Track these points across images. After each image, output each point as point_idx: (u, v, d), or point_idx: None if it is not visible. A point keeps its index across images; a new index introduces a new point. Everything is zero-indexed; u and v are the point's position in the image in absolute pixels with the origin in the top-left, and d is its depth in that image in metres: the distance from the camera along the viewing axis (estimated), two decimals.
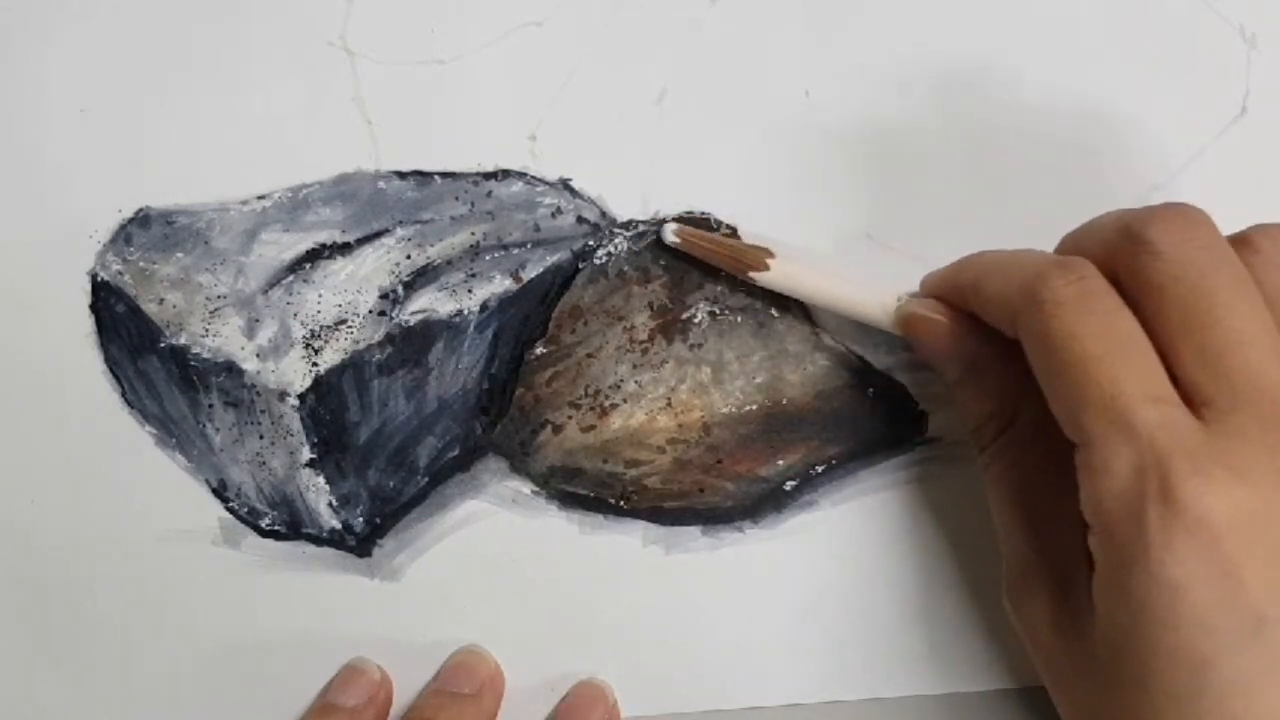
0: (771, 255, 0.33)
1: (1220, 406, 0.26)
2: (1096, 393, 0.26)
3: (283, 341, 0.35)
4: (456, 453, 0.35)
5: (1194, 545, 0.25)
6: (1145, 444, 0.25)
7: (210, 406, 0.35)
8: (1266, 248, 0.28)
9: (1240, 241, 0.29)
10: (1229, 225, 0.35)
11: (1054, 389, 0.27)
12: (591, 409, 0.35)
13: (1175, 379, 0.27)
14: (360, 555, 0.35)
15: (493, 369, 0.35)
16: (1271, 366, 0.26)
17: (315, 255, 0.35)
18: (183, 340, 0.35)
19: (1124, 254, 0.28)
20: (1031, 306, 0.28)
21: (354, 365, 0.35)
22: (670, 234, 0.34)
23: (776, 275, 0.33)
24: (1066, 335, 0.27)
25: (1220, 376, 0.26)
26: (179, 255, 0.35)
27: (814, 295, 0.33)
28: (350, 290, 0.35)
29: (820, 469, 0.35)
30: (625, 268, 0.35)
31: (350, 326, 0.35)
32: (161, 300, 0.35)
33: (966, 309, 0.31)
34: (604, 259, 0.35)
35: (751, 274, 0.33)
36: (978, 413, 0.31)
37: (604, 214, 0.35)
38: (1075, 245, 0.30)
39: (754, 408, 0.35)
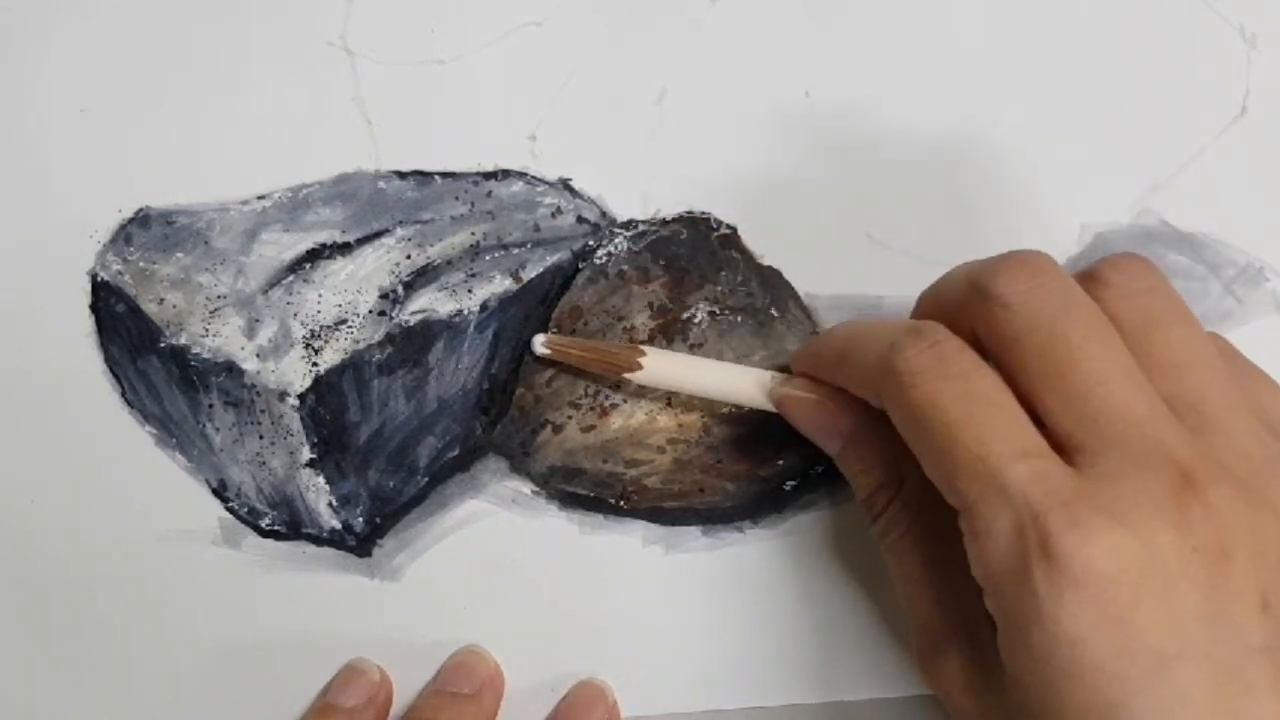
0: (643, 353, 0.33)
1: (1091, 450, 0.26)
2: (965, 457, 0.26)
3: (283, 341, 0.35)
4: (456, 453, 0.35)
5: (1084, 596, 0.24)
6: (1020, 502, 0.25)
7: (210, 406, 0.35)
8: (1116, 281, 0.28)
9: (1089, 278, 0.29)
10: (1229, 225, 0.35)
11: (925, 458, 0.27)
12: (591, 409, 0.35)
13: (1044, 429, 0.27)
14: (360, 555, 0.35)
15: (493, 369, 0.35)
16: (1136, 402, 0.26)
17: (315, 255, 0.35)
18: (183, 340, 0.35)
19: (976, 310, 0.28)
20: (890, 379, 0.28)
21: (354, 365, 0.35)
22: (540, 346, 0.33)
23: (650, 373, 0.33)
24: (927, 404, 0.27)
25: (1086, 420, 0.26)
26: (179, 255, 0.35)
27: (690, 385, 0.33)
28: (350, 290, 0.35)
29: (820, 469, 0.35)
30: (625, 268, 0.35)
31: (350, 326, 0.35)
32: (161, 300, 0.35)
33: (835, 383, 0.31)
34: (604, 259, 0.35)
35: (625, 375, 0.33)
36: (865, 484, 0.31)
37: (604, 214, 0.35)
38: (930, 305, 0.30)
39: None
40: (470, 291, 0.35)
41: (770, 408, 0.32)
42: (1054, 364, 0.27)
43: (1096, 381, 0.26)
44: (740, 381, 0.33)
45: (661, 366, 0.33)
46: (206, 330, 0.35)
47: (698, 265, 0.35)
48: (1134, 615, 0.24)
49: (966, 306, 0.28)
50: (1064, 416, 0.26)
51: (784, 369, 0.33)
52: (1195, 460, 0.25)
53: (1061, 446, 0.26)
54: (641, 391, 0.34)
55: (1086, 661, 0.24)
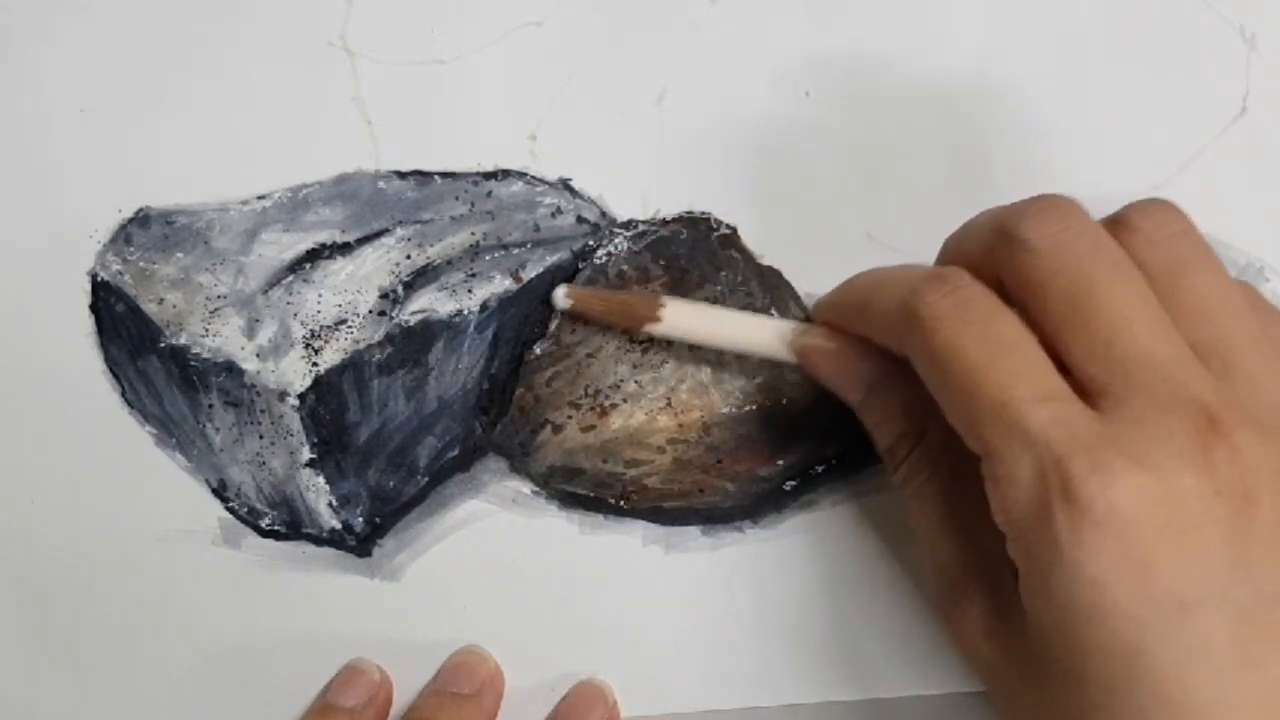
0: (662, 304, 0.33)
1: (1114, 395, 0.26)
2: (987, 401, 0.26)
3: (283, 341, 0.35)
4: (456, 453, 0.35)
5: (1105, 539, 0.24)
6: (1041, 446, 0.25)
7: (210, 406, 0.35)
8: (1144, 226, 0.28)
9: (1117, 223, 0.28)
10: (1230, 225, 0.35)
11: (947, 403, 0.27)
12: (591, 409, 0.35)
13: (1068, 373, 0.26)
14: (360, 555, 0.35)
15: (493, 369, 0.35)
16: (1161, 346, 0.26)
17: (315, 255, 0.35)
18: (183, 340, 0.35)
19: (1001, 254, 0.28)
20: (912, 325, 0.27)
21: (354, 365, 0.35)
22: (561, 298, 0.34)
23: (670, 323, 0.33)
24: (949, 349, 0.27)
25: (1111, 364, 0.26)
26: (179, 255, 0.35)
27: (709, 336, 0.33)
28: (350, 290, 0.35)
29: (820, 469, 0.35)
30: (625, 268, 0.35)
31: (350, 326, 0.35)
32: (161, 300, 0.35)
33: (857, 332, 0.31)
34: (604, 259, 0.35)
35: (647, 327, 0.33)
36: (886, 433, 0.31)
37: (604, 214, 0.35)
38: (955, 249, 0.30)
39: (754, 408, 0.35)
40: (470, 291, 0.35)
41: (791, 358, 0.32)
42: (1078, 308, 0.26)
43: (1121, 326, 0.26)
44: (760, 332, 0.32)
45: (681, 317, 0.33)
46: (206, 330, 0.35)
47: (698, 265, 0.35)
48: (1155, 559, 0.24)
49: (991, 251, 0.28)
50: (1088, 361, 0.26)
51: (805, 320, 0.33)
52: (1220, 405, 0.25)
53: (1085, 391, 0.26)
54: (641, 391, 0.35)
55: (1107, 605, 0.24)
